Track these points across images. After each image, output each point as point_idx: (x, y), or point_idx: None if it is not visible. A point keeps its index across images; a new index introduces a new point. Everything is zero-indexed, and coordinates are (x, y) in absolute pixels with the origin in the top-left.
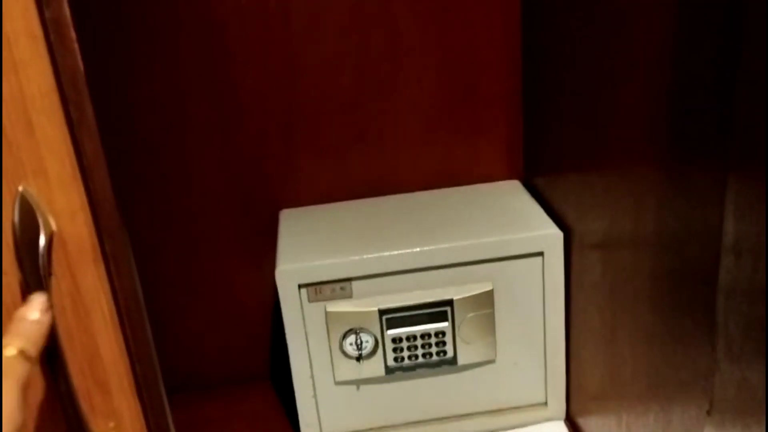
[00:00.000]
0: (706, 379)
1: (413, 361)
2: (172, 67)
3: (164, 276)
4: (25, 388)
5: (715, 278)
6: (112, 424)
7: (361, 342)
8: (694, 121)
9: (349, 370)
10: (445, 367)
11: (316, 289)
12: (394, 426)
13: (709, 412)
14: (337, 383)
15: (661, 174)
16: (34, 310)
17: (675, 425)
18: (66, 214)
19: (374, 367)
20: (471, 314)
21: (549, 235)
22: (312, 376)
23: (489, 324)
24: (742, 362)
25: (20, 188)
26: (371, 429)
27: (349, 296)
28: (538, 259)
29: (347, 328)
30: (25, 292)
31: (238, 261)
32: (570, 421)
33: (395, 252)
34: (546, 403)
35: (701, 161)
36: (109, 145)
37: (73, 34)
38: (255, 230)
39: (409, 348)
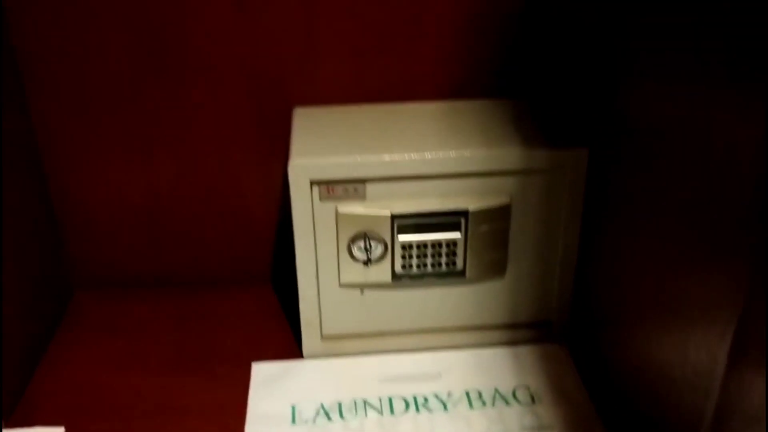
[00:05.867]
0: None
1: (421, 270)
2: None
3: (167, 165)
4: None
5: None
6: None
7: (371, 246)
8: None
9: (355, 273)
10: (453, 279)
11: (329, 187)
12: (395, 333)
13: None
14: (342, 286)
15: None
16: None
17: (690, 355)
18: None
19: (381, 272)
20: (485, 227)
21: (573, 152)
22: (317, 276)
23: (502, 239)
24: None
25: None
26: (372, 334)
27: (362, 198)
28: (560, 175)
29: (357, 231)
30: None
31: (246, 157)
32: (571, 343)
33: (413, 155)
34: (550, 323)
35: None
36: (118, 28)
37: None
38: (266, 127)
39: (418, 256)
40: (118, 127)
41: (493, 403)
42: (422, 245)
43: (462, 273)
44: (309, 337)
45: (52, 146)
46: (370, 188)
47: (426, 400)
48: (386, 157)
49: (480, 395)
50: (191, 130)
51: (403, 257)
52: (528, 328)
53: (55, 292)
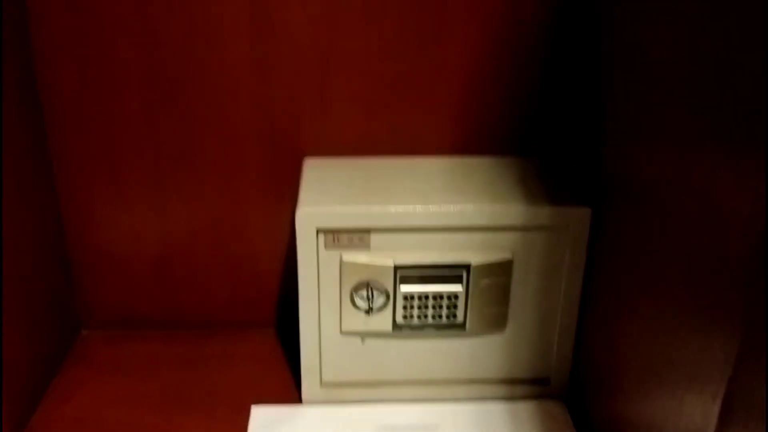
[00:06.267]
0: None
1: (422, 321)
2: None
3: (179, 210)
4: None
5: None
6: None
7: (373, 295)
8: None
9: (356, 321)
10: (453, 331)
11: (335, 236)
12: (394, 382)
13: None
14: (343, 333)
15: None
16: None
17: (684, 413)
18: None
19: (382, 321)
20: (486, 281)
21: (576, 211)
22: (319, 324)
23: (503, 293)
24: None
25: None
26: (371, 382)
27: (366, 248)
28: (563, 233)
29: (360, 280)
30: None
31: (255, 205)
32: (570, 400)
33: (417, 208)
34: (549, 380)
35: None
36: (137, 78)
37: None
38: (276, 176)
39: (419, 307)
40: (133, 172)
41: None
42: (424, 296)
43: (462, 326)
44: (309, 383)
45: (69, 187)
46: (375, 238)
47: None
48: (391, 209)
49: None
50: (203, 177)
51: (405, 308)
52: (526, 384)
53: (61, 330)
